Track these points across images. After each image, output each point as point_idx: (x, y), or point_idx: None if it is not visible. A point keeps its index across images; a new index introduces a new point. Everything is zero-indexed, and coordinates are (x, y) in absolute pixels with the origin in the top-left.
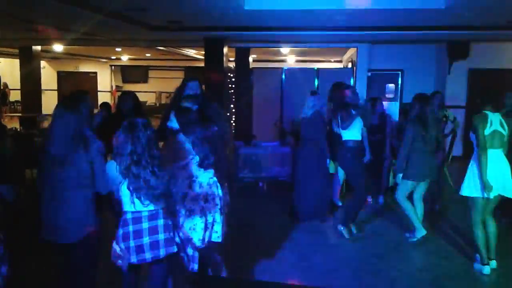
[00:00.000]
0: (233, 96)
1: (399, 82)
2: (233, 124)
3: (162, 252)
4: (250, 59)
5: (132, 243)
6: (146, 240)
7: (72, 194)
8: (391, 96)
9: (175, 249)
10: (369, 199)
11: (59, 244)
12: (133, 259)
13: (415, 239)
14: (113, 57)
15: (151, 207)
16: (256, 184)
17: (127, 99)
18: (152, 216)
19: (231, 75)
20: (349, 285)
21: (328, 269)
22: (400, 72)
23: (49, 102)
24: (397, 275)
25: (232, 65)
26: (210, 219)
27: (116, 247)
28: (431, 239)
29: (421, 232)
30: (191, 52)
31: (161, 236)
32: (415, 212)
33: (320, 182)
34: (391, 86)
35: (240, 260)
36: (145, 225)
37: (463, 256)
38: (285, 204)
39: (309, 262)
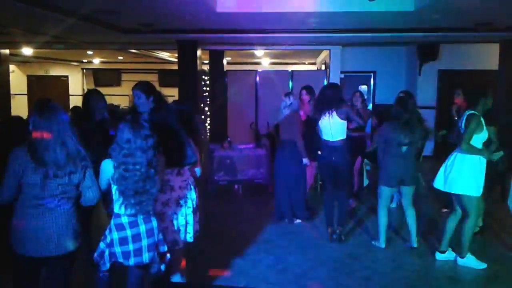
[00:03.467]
0: (208, 99)
1: (372, 83)
2: (208, 126)
3: (156, 254)
4: (224, 61)
5: (131, 247)
6: (144, 242)
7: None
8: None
9: (165, 248)
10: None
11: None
12: (131, 261)
13: (374, 243)
14: (84, 60)
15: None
16: (232, 186)
17: (100, 99)
18: (147, 219)
19: (206, 78)
20: (324, 286)
21: (303, 270)
22: (372, 74)
23: (19, 106)
24: (371, 274)
25: (206, 67)
26: (182, 222)
27: (106, 250)
28: (402, 238)
29: (380, 243)
30: (165, 55)
31: (156, 238)
32: (385, 223)
33: (299, 183)
34: (364, 87)
35: (215, 263)
36: (142, 228)
37: (433, 254)
38: (261, 206)
39: (284, 263)
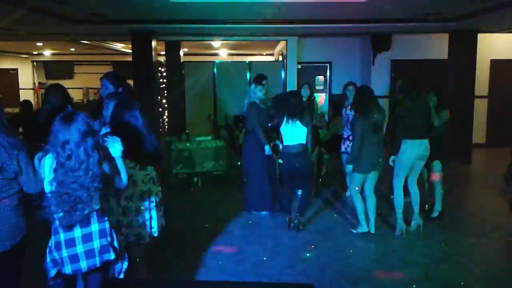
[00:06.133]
0: (165, 91)
1: (328, 74)
2: (166, 119)
3: (97, 261)
4: (181, 52)
5: (64, 253)
6: (80, 249)
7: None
8: (320, 87)
9: (112, 256)
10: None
11: None
12: (67, 269)
13: (355, 231)
14: (34, 53)
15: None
16: (191, 179)
17: (56, 94)
18: (84, 222)
19: (162, 69)
20: (283, 274)
21: (262, 259)
22: (328, 64)
23: None
24: (327, 261)
25: (162, 59)
26: (147, 216)
27: (47, 257)
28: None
29: (362, 228)
30: (119, 46)
31: (96, 244)
32: (363, 207)
33: (265, 173)
34: (320, 78)
35: (174, 256)
36: (77, 233)
37: (390, 238)
38: (220, 198)
39: (243, 254)
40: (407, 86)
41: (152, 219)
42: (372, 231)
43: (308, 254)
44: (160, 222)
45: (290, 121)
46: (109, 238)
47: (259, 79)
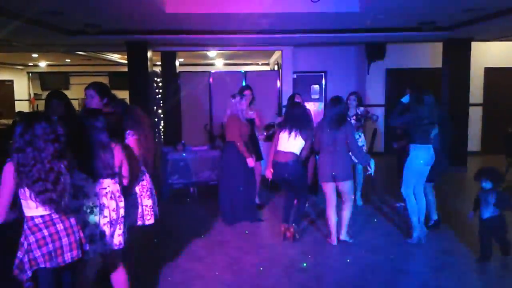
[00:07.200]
0: (161, 101)
1: (323, 83)
2: (162, 129)
3: (80, 252)
4: (177, 63)
5: (51, 247)
6: (65, 241)
7: None
8: (316, 96)
9: (86, 246)
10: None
11: None
12: (51, 263)
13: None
14: (30, 64)
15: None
16: (187, 189)
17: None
18: (63, 217)
19: (158, 79)
20: (280, 284)
21: (259, 269)
22: (323, 74)
23: None
24: (324, 271)
25: (158, 69)
26: (95, 231)
27: (24, 257)
28: (357, 233)
29: (332, 240)
30: (115, 57)
31: (77, 236)
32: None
33: (242, 183)
34: (316, 87)
35: (170, 267)
36: (60, 226)
37: (387, 247)
38: (216, 208)
39: (240, 264)
40: (418, 92)
41: (104, 236)
42: (335, 242)
43: (304, 264)
44: (115, 241)
45: (291, 131)
46: (81, 233)
47: (241, 90)
